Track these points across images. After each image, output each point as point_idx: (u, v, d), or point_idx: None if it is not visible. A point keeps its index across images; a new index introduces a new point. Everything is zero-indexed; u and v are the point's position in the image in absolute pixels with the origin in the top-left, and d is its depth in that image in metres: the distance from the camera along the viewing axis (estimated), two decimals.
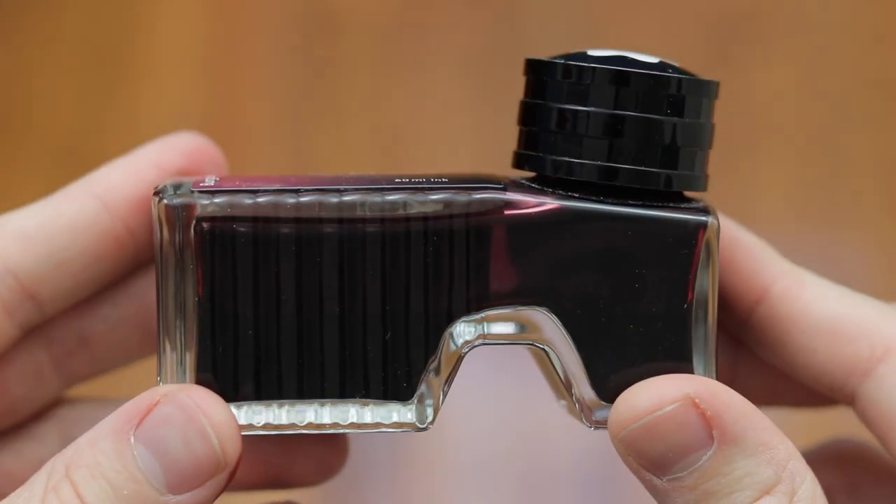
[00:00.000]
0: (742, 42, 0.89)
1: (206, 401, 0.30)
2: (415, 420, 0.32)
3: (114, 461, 0.29)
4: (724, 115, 0.91)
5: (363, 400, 0.31)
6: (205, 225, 0.30)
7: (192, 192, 0.30)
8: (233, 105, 0.89)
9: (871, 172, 0.86)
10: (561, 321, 0.31)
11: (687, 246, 0.31)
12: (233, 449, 0.30)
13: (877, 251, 0.83)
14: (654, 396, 0.30)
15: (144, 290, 0.34)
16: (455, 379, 0.32)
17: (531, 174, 0.32)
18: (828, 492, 0.30)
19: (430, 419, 0.32)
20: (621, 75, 0.31)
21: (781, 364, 0.33)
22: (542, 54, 0.33)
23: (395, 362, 0.31)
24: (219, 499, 0.31)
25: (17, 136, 0.87)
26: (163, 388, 0.30)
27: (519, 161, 0.32)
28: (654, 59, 0.31)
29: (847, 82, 0.89)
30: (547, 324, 0.31)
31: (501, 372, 0.71)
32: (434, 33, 0.92)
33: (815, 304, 0.32)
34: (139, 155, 0.34)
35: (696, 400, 0.29)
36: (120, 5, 0.93)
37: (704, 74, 0.33)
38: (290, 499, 0.35)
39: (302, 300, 0.31)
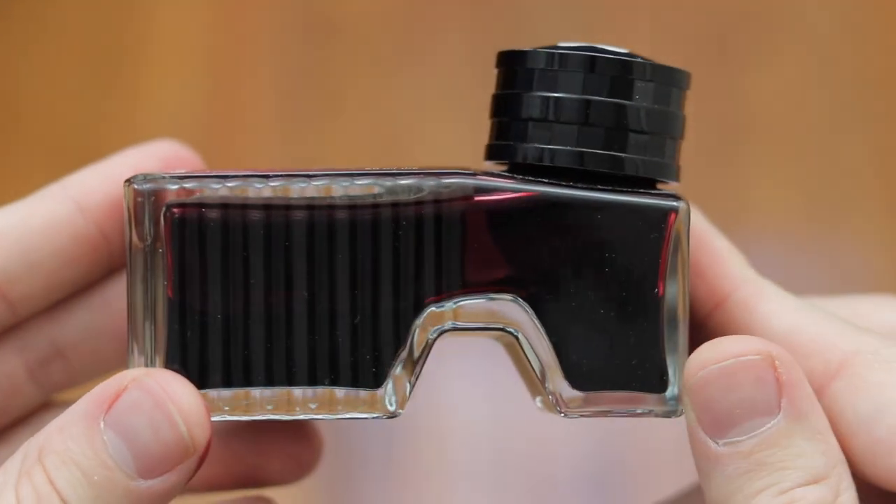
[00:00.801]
0: (742, 42, 0.89)
1: (174, 385, 0.30)
2: (385, 405, 0.32)
3: (84, 447, 0.29)
4: (724, 115, 0.92)
5: (332, 388, 0.31)
6: (174, 210, 0.30)
7: (163, 177, 0.30)
8: (232, 104, 0.89)
9: (871, 172, 0.86)
10: (532, 307, 0.31)
11: (656, 230, 0.31)
12: (201, 434, 0.30)
13: (876, 251, 0.83)
14: (739, 344, 0.30)
15: (120, 297, 0.34)
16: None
17: (504, 165, 0.33)
18: None
19: (399, 406, 0.32)
20: (589, 61, 0.31)
21: None
22: None
23: (364, 349, 0.31)
24: (195, 498, 0.31)
25: (15, 135, 0.87)
26: (131, 373, 0.30)
27: (490, 152, 0.33)
28: (623, 50, 0.31)
29: (847, 82, 0.89)
30: (518, 311, 0.31)
31: (499, 371, 0.71)
32: (434, 33, 0.92)
33: (772, 317, 0.32)
34: (116, 160, 0.34)
35: (777, 362, 0.30)
36: (119, 4, 0.93)
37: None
38: (261, 495, 0.35)
39: (271, 286, 0.31)
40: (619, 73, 0.31)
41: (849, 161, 0.86)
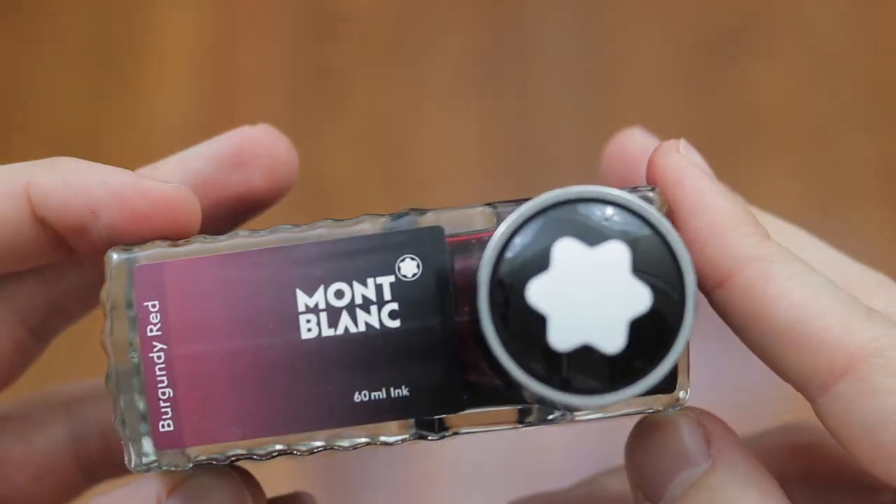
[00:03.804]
0: (743, 42, 0.89)
1: (250, 481, 0.31)
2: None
3: None
4: (725, 115, 0.91)
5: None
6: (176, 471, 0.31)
7: (155, 455, 0.30)
8: (232, 104, 0.90)
9: (872, 173, 0.86)
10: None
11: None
12: None
13: (877, 252, 0.83)
14: (660, 412, 0.30)
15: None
16: None
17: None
18: (782, 479, 0.30)
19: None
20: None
21: (743, 343, 0.32)
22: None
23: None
24: None
25: (15, 136, 0.87)
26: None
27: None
28: (619, 343, 0.28)
29: (847, 83, 0.89)
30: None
31: None
32: (435, 33, 0.92)
33: (777, 304, 0.30)
34: (80, 194, 0.32)
35: (700, 417, 0.30)
36: (120, 5, 0.94)
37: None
38: (301, 491, 0.36)
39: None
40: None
41: (849, 159, 0.86)
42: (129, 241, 0.31)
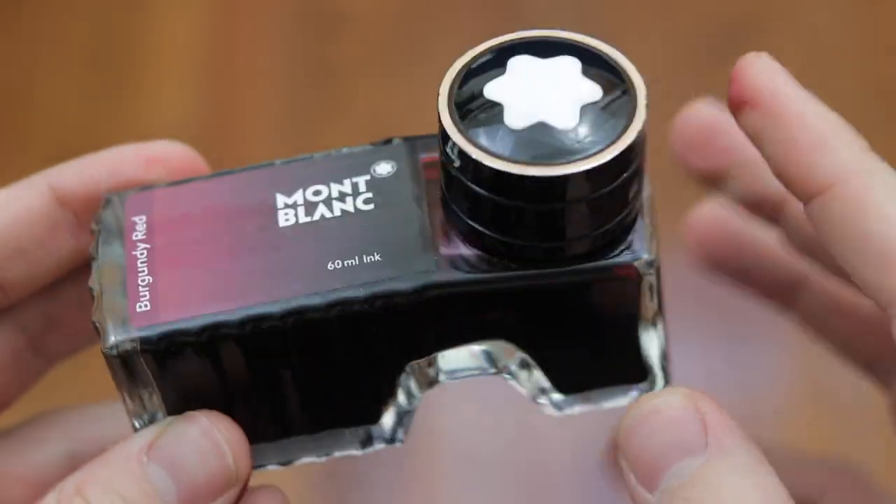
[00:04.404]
0: (743, 42, 0.89)
1: (221, 418, 0.31)
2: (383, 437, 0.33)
3: (126, 479, 0.30)
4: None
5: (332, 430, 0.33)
6: (151, 353, 0.30)
7: (131, 330, 0.30)
8: (233, 104, 0.90)
9: None
10: (516, 348, 0.32)
11: (628, 287, 0.30)
12: (244, 464, 0.31)
13: None
14: (658, 394, 0.30)
15: None
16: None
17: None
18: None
19: (399, 438, 0.33)
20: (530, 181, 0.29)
21: (832, 259, 0.31)
22: None
23: (357, 409, 0.33)
24: None
25: (17, 136, 0.87)
26: (173, 417, 0.31)
27: (464, 228, 0.31)
28: (572, 121, 0.29)
29: (847, 83, 0.89)
30: (502, 352, 0.32)
31: None
32: (435, 33, 0.92)
33: (874, 219, 0.29)
34: (98, 157, 0.34)
35: (699, 403, 0.29)
36: (121, 5, 0.94)
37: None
38: (269, 484, 0.35)
39: (259, 383, 0.31)
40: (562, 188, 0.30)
41: None
42: None
